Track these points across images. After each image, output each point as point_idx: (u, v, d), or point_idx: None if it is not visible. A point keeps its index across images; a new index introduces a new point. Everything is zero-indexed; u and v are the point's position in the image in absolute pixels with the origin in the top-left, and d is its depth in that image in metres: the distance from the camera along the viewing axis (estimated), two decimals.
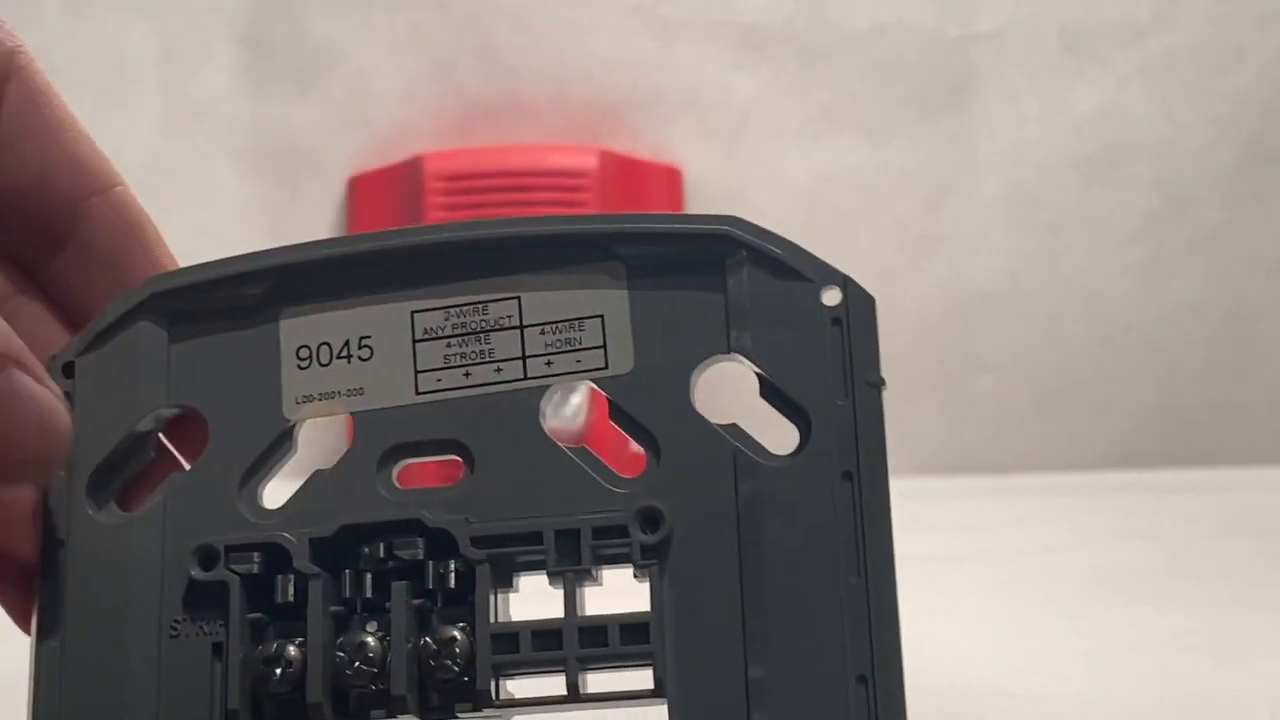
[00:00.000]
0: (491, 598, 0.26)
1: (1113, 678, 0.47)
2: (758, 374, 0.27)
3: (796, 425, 0.27)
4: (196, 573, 0.27)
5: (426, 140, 1.08)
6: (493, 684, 0.26)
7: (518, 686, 0.27)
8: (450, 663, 0.26)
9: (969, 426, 1.09)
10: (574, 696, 0.26)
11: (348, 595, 0.27)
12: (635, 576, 0.27)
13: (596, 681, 0.27)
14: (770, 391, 0.27)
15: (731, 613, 0.26)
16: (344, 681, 0.26)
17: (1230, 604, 0.59)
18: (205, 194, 1.08)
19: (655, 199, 1.06)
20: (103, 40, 1.09)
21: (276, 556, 0.27)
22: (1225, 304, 1.09)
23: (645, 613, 0.26)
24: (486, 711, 0.26)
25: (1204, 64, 1.09)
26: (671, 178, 1.08)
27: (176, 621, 0.27)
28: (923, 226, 1.09)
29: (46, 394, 0.25)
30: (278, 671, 0.27)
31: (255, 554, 0.27)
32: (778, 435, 0.27)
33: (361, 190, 1.08)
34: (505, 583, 0.27)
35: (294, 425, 0.28)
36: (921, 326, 1.09)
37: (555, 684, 0.26)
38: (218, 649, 0.27)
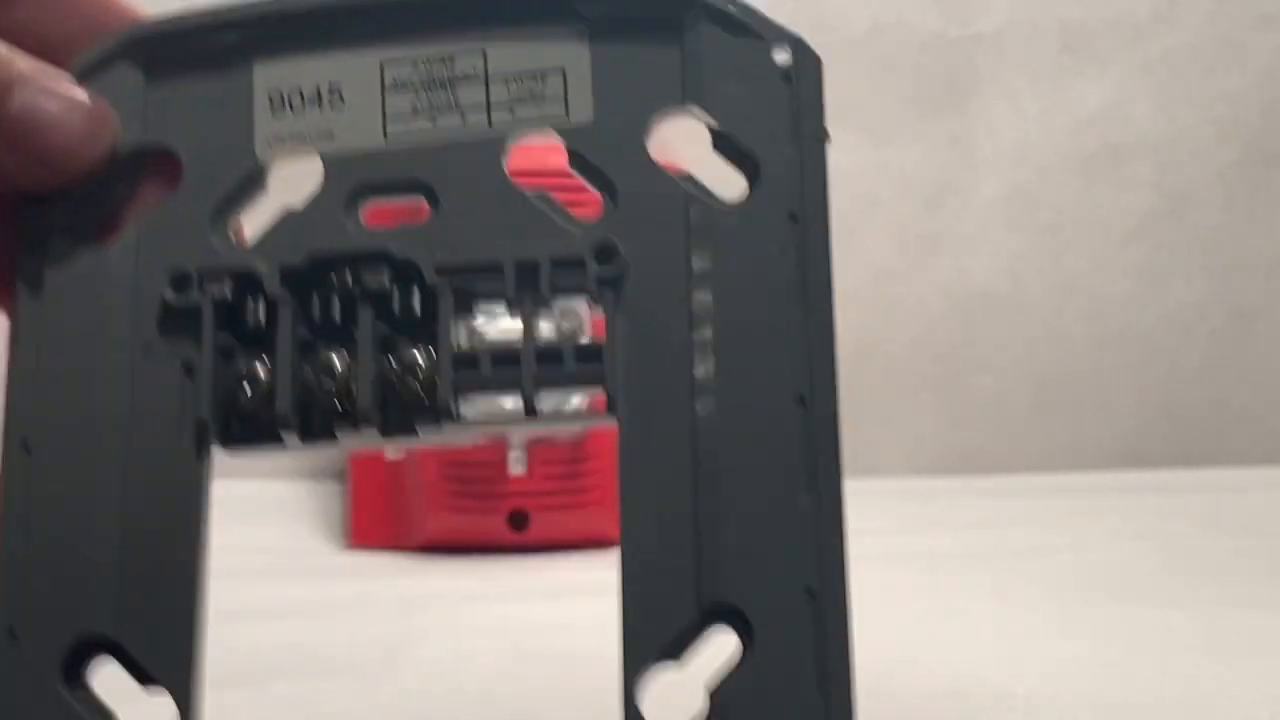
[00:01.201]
0: (453, 325, 0.28)
1: (1113, 678, 0.47)
2: (710, 128, 0.28)
3: (746, 174, 0.28)
4: (170, 296, 0.28)
5: None
6: (453, 402, 0.27)
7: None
8: (413, 381, 0.27)
9: (969, 426, 1.09)
10: (530, 412, 0.27)
11: (316, 324, 0.28)
12: (589, 306, 0.28)
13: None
14: (722, 142, 0.28)
15: (681, 347, 0.27)
16: (310, 399, 0.28)
17: (1230, 604, 0.59)
18: None
19: None
20: None
21: (247, 283, 0.28)
22: (1225, 304, 1.10)
23: (600, 339, 0.27)
24: (446, 428, 0.27)
25: (1204, 64, 1.09)
26: None
27: (150, 344, 0.28)
28: (923, 226, 1.09)
29: (65, 99, 0.27)
30: (246, 387, 0.28)
31: (227, 278, 0.28)
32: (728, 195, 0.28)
33: None
34: (466, 309, 0.28)
35: (265, 166, 0.29)
36: (921, 326, 1.09)
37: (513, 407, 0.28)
38: (189, 368, 0.28)
